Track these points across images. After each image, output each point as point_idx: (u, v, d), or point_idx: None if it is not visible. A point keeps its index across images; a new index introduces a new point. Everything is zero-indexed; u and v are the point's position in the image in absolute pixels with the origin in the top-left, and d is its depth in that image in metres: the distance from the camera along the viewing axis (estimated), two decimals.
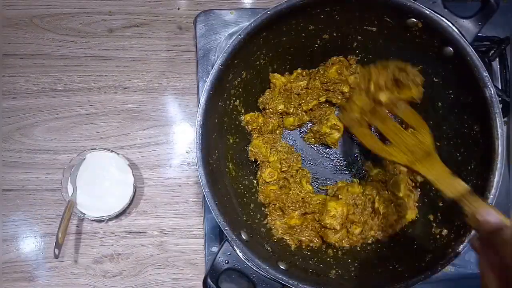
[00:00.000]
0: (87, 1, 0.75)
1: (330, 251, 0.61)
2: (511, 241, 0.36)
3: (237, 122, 0.64)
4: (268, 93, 0.66)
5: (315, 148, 0.68)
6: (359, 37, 0.61)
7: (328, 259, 0.60)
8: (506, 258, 0.36)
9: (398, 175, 0.63)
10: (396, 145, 0.55)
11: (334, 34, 0.61)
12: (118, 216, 0.70)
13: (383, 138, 0.57)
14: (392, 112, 0.58)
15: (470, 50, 0.51)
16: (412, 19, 0.53)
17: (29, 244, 0.71)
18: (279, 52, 0.62)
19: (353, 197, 0.62)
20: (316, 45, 0.63)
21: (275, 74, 0.65)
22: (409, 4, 0.51)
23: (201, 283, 0.51)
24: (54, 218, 0.71)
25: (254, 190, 0.64)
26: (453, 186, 0.47)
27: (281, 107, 0.64)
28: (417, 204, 0.62)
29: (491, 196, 0.50)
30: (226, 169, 0.60)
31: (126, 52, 0.74)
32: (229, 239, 0.50)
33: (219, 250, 0.51)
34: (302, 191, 0.63)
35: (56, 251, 0.63)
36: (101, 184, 0.69)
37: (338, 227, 0.60)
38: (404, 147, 0.54)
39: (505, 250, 0.36)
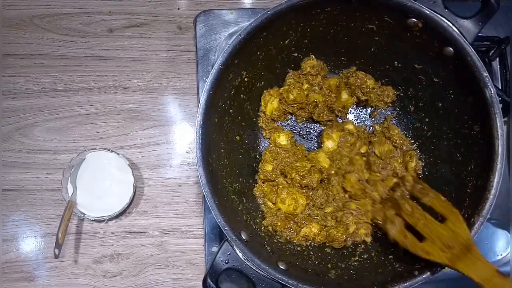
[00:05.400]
0: (87, 1, 0.75)
1: (328, 249, 0.61)
2: None
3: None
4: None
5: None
6: (359, 37, 0.61)
7: (328, 259, 0.60)
8: None
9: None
10: (430, 239, 0.50)
11: (334, 34, 0.61)
12: (118, 216, 0.70)
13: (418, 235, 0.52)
14: (419, 200, 0.54)
15: (470, 50, 0.50)
16: (412, 19, 0.53)
17: (29, 244, 0.71)
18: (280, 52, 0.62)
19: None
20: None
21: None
22: (409, 4, 0.51)
23: (201, 283, 0.51)
24: (54, 218, 0.71)
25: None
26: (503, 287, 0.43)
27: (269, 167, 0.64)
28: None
29: (491, 196, 0.49)
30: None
31: (126, 52, 0.74)
32: (229, 239, 0.50)
33: (219, 250, 0.51)
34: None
35: (56, 251, 0.63)
36: (101, 184, 0.69)
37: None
38: (440, 242, 0.49)
39: None
